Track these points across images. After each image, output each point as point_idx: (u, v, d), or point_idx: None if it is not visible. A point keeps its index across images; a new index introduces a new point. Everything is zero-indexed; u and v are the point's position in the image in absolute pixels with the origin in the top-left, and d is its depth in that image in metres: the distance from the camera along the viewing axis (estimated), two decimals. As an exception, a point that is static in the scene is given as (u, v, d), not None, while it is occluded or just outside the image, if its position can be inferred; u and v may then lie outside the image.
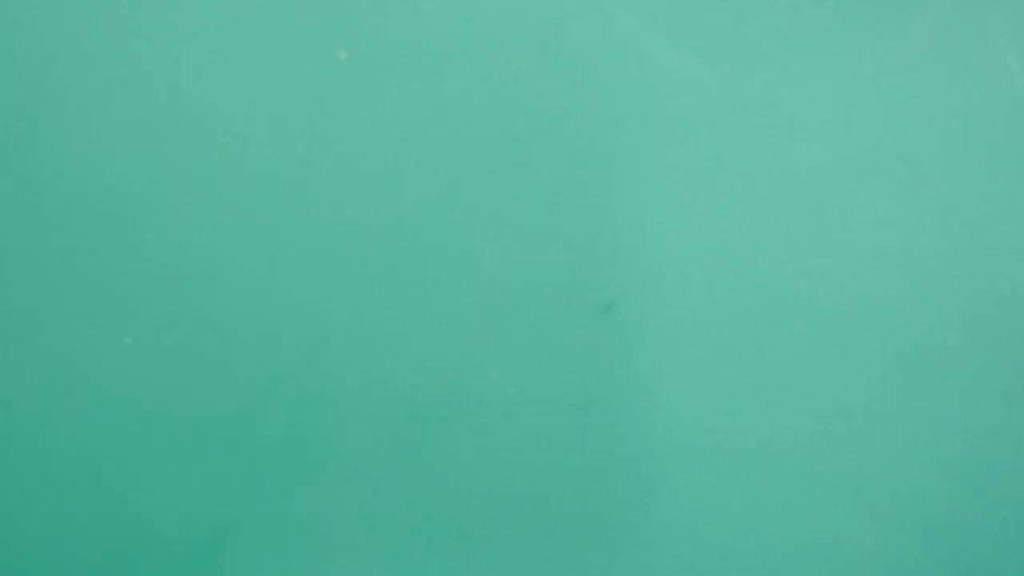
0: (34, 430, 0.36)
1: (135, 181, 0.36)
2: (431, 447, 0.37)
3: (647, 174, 0.36)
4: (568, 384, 0.36)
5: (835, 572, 0.37)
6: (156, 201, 0.36)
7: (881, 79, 0.36)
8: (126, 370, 0.36)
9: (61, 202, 0.36)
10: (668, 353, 0.37)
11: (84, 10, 0.35)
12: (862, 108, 0.36)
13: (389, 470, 0.37)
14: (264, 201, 0.36)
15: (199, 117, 0.35)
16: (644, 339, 0.37)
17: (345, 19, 0.35)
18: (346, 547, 0.37)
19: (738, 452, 0.37)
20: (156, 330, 0.36)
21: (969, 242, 0.37)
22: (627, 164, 0.36)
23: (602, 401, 0.37)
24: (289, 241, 0.36)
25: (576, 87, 0.36)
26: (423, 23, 0.36)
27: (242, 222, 0.36)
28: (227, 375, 0.36)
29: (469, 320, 0.36)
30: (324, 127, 0.36)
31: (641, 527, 0.36)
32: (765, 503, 0.37)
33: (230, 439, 0.37)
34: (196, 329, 0.36)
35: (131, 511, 0.37)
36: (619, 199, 0.36)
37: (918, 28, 0.36)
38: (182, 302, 0.32)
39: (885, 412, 0.37)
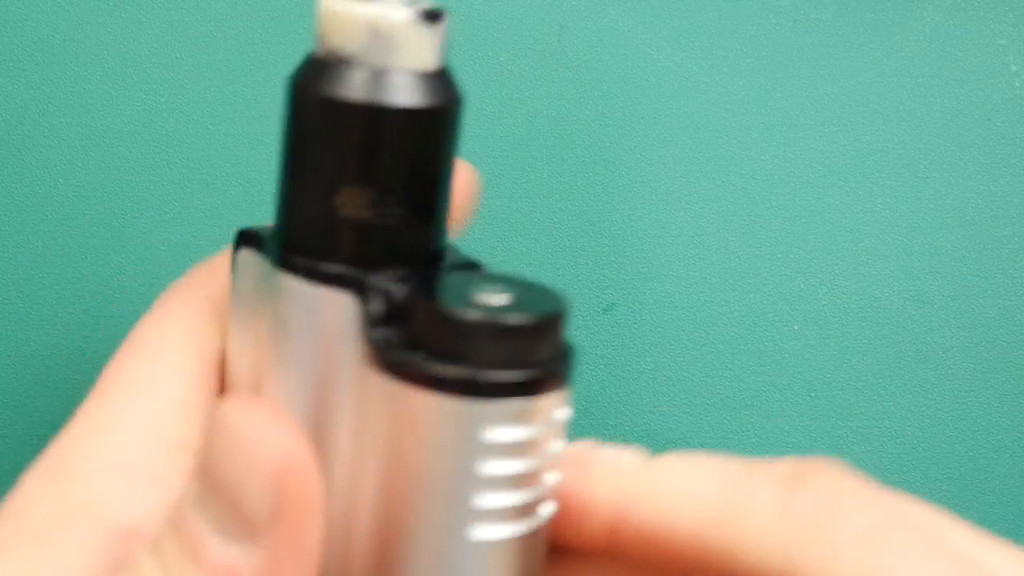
0: (35, 430, 0.36)
1: (135, 181, 0.36)
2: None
3: (647, 174, 0.36)
4: (568, 384, 0.36)
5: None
6: (156, 201, 0.36)
7: (881, 79, 0.36)
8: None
9: (61, 202, 0.36)
10: (668, 353, 0.37)
11: (84, 10, 0.35)
12: (862, 108, 0.36)
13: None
14: (264, 201, 0.36)
15: (199, 117, 0.35)
16: (644, 339, 0.37)
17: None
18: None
19: (738, 452, 0.37)
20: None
21: (969, 242, 0.37)
22: (627, 164, 0.36)
23: (602, 401, 0.37)
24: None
25: (576, 87, 0.36)
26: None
27: (242, 222, 0.36)
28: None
29: (469, 320, 0.36)
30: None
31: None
32: (765, 503, 0.37)
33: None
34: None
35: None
36: (619, 199, 0.36)
37: (918, 28, 0.36)
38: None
39: (885, 412, 0.37)
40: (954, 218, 0.37)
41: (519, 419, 0.19)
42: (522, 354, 0.19)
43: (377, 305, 0.20)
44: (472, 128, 0.36)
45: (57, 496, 0.21)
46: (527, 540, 0.20)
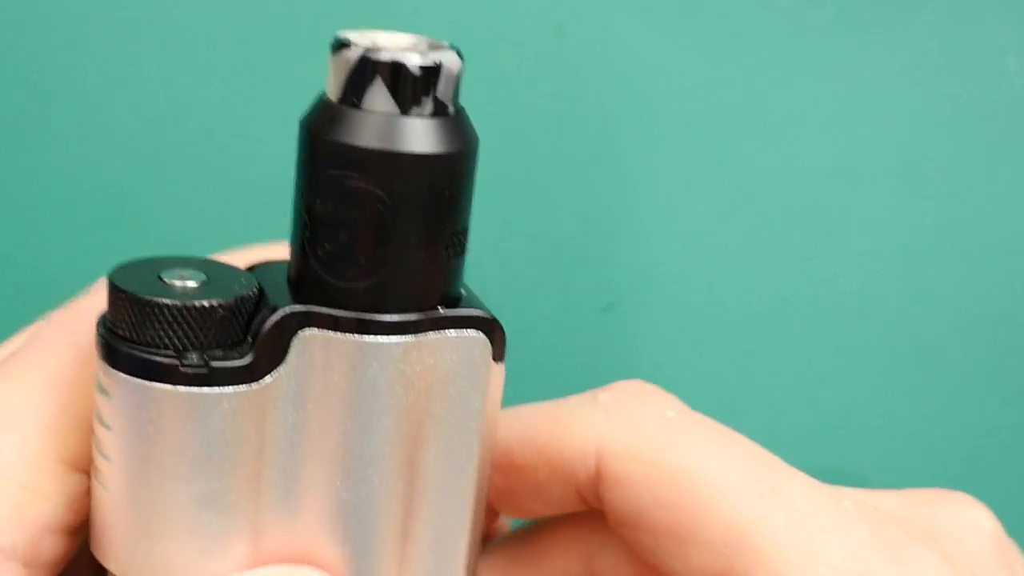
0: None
1: (135, 181, 0.36)
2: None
3: (647, 174, 0.36)
4: (568, 384, 0.36)
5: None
6: (156, 201, 0.36)
7: (881, 79, 0.36)
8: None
9: (61, 202, 0.36)
10: (668, 353, 0.37)
11: (84, 10, 0.35)
12: (862, 108, 0.36)
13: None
14: (264, 200, 0.36)
15: (199, 117, 0.35)
16: (643, 339, 0.37)
17: (345, 19, 0.35)
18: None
19: (738, 452, 0.37)
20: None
21: (969, 242, 0.37)
22: (627, 164, 0.36)
23: (602, 401, 0.37)
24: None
25: (576, 87, 0.36)
26: (423, 23, 0.36)
27: (242, 221, 0.36)
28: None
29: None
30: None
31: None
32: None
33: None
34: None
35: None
36: (619, 199, 0.36)
37: (918, 28, 0.36)
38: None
39: (885, 412, 0.37)
40: (954, 218, 0.37)
41: None
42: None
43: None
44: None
45: None
46: None
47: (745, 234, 0.36)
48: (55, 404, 0.24)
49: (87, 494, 0.24)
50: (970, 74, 0.36)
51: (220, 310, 0.21)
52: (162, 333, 0.21)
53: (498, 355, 0.22)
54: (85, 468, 0.24)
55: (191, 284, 0.21)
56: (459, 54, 0.22)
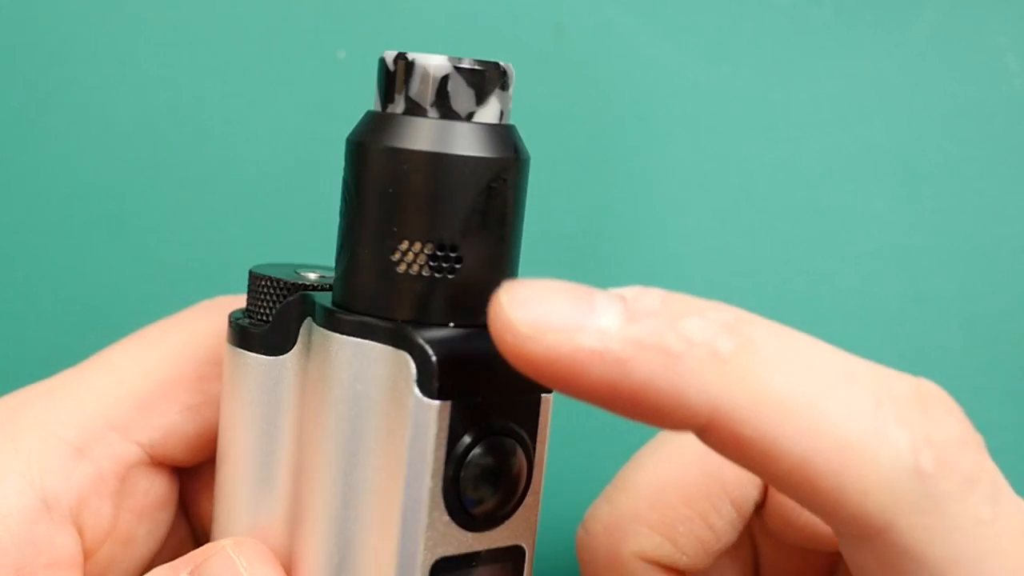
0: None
1: (135, 181, 0.36)
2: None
3: (647, 174, 0.36)
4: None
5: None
6: (156, 201, 0.36)
7: (881, 79, 0.36)
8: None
9: (61, 202, 0.36)
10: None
11: (84, 10, 0.35)
12: (862, 108, 0.36)
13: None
14: (264, 200, 0.36)
15: (200, 117, 0.35)
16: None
17: (345, 19, 0.35)
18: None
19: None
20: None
21: (969, 242, 0.37)
22: (626, 164, 0.36)
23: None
24: (289, 241, 0.36)
25: (575, 87, 0.36)
26: (423, 23, 0.36)
27: (242, 221, 0.36)
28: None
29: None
30: (324, 127, 0.36)
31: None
32: (765, 503, 0.37)
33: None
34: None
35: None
36: (619, 199, 0.36)
37: (918, 28, 0.36)
38: (181, 303, 0.32)
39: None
40: (954, 218, 0.37)
41: None
42: None
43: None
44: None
45: None
46: None
47: (745, 234, 0.36)
48: (111, 376, 0.25)
49: (148, 466, 0.25)
50: (970, 74, 0.36)
51: (268, 282, 0.23)
52: (249, 300, 0.24)
53: (429, 388, 0.20)
54: (140, 441, 0.25)
55: (312, 275, 0.24)
56: (460, 62, 0.21)
